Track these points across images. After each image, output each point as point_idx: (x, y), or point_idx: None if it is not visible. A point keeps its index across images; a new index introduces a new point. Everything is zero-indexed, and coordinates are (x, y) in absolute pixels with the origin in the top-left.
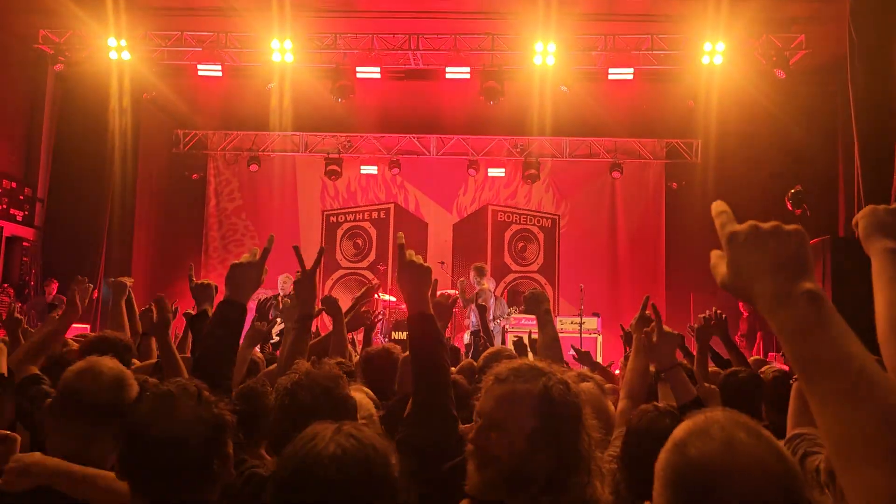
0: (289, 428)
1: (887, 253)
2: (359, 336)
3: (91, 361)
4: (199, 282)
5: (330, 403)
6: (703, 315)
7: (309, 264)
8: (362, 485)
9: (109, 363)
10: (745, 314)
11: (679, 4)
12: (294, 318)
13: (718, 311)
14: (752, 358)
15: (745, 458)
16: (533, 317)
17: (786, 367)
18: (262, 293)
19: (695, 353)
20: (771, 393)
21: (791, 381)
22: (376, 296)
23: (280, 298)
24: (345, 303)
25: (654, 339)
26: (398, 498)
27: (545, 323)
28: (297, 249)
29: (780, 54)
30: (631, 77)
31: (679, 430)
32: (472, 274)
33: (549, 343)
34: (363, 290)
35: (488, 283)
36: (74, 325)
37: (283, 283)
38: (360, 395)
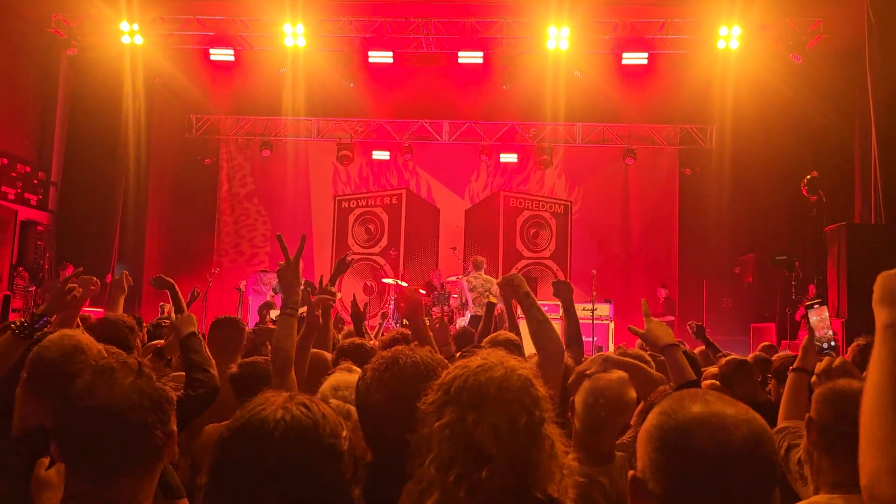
0: (391, 407)
1: (885, 329)
2: (371, 323)
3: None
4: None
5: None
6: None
7: (292, 253)
8: (308, 451)
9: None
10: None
11: None
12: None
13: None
14: (762, 344)
15: (721, 415)
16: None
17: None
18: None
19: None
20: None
21: (789, 371)
22: (393, 281)
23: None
24: (356, 288)
25: (644, 326)
26: (347, 471)
27: (528, 306)
28: (279, 238)
29: (796, 38)
30: (645, 62)
31: (663, 402)
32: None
33: (536, 330)
34: (337, 261)
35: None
36: (87, 309)
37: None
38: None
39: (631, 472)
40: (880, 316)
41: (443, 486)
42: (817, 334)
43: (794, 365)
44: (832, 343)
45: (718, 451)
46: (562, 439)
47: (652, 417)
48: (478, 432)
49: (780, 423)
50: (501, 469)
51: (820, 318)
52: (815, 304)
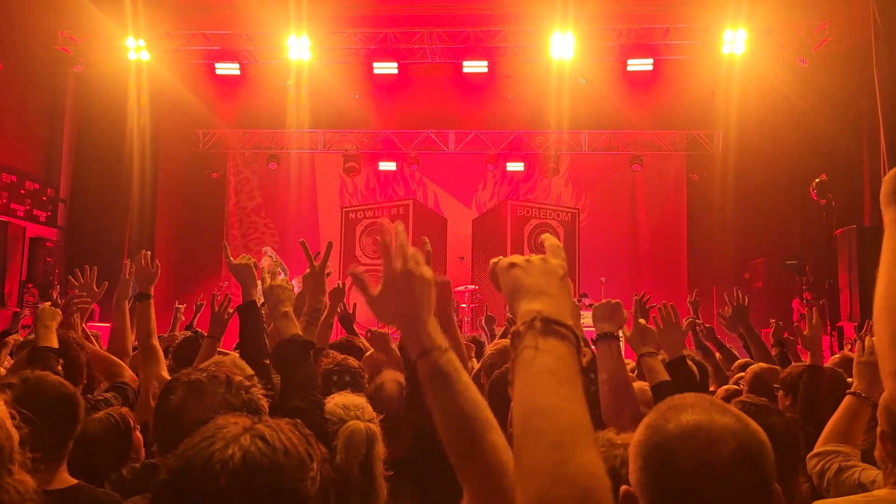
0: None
1: (893, 225)
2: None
3: None
4: (239, 261)
5: None
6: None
7: (318, 260)
8: (262, 499)
9: None
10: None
11: None
12: (304, 309)
13: (741, 295)
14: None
15: (708, 427)
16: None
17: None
18: None
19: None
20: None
21: (847, 392)
22: None
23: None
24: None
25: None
26: None
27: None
28: (303, 244)
29: (802, 41)
30: (650, 68)
31: (652, 413)
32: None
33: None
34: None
35: None
36: (96, 325)
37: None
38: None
39: (623, 488)
40: (887, 213)
41: None
42: None
43: (853, 388)
44: None
45: (703, 468)
46: None
47: (640, 431)
48: None
49: (826, 446)
50: None
51: None
52: None
